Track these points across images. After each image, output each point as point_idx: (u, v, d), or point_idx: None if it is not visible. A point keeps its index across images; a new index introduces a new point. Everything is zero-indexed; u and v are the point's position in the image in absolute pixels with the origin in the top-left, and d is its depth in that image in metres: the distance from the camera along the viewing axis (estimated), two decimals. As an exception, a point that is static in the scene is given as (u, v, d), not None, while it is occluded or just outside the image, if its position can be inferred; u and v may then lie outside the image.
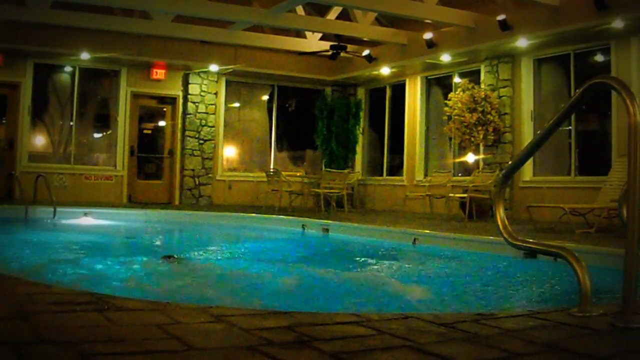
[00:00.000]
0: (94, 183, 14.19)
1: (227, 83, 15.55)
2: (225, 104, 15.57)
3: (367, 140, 16.48)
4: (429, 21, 12.52)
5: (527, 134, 12.00)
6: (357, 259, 7.30)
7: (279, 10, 11.96)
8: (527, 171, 11.88)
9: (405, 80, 14.97)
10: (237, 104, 16.13)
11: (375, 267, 6.61)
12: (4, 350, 1.81)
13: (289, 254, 7.69)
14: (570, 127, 11.38)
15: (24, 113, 13.66)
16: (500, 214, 3.24)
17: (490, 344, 2.19)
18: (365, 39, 14.44)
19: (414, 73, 14.65)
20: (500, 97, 12.33)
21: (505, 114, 12.28)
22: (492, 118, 12.09)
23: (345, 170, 14.49)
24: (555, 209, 9.27)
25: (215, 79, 15.13)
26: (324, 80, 16.04)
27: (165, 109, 15.41)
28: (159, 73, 14.66)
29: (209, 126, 15.01)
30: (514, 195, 11.96)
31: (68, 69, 14.30)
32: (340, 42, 13.93)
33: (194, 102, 14.86)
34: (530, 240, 3.53)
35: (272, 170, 14.56)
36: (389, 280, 5.76)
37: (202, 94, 14.95)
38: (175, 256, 6.29)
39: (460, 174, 13.49)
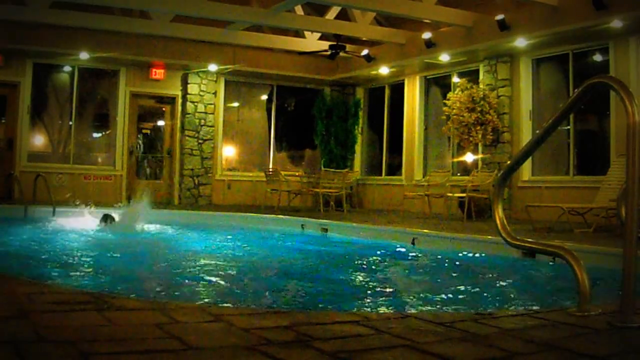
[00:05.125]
0: (93, 183, 14.19)
1: (226, 83, 15.55)
2: (225, 104, 15.57)
3: (366, 140, 16.49)
4: (427, 21, 12.52)
5: (526, 134, 12.01)
6: (355, 258, 7.31)
7: (278, 10, 11.96)
8: (526, 171, 11.89)
9: (404, 80, 14.98)
10: (236, 104, 16.12)
11: (374, 266, 6.61)
12: (4, 350, 1.82)
13: (290, 253, 7.70)
14: (568, 127, 11.39)
15: (23, 113, 13.66)
16: (499, 213, 3.24)
17: (489, 343, 2.20)
18: (364, 39, 14.45)
19: (412, 73, 14.66)
20: (499, 96, 12.34)
21: (504, 113, 12.29)
22: (490, 118, 12.10)
23: (344, 170, 14.50)
24: (554, 208, 9.28)
25: (215, 79, 15.13)
26: (323, 80, 16.04)
27: (164, 109, 15.41)
28: (158, 73, 14.66)
29: (208, 126, 15.01)
30: (513, 195, 11.97)
31: (67, 68, 14.29)
32: (339, 41, 13.93)
33: (193, 102, 14.86)
34: (529, 239, 3.53)
35: (271, 170, 14.56)
36: (387, 279, 5.77)
37: (201, 93, 14.95)
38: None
39: (459, 174, 13.48)
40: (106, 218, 9.71)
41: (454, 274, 5.92)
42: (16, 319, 2.23)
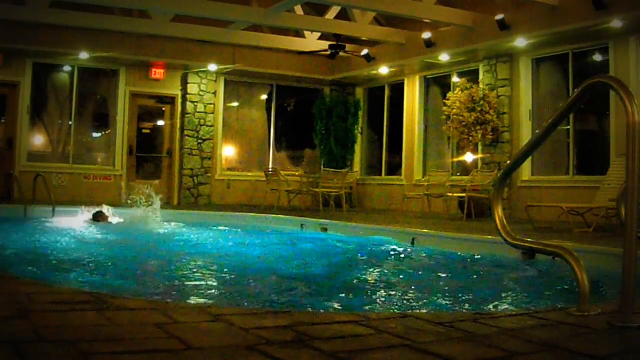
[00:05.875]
0: (93, 183, 14.19)
1: (226, 83, 15.55)
2: (224, 104, 15.58)
3: (365, 140, 16.49)
4: (427, 21, 12.52)
5: (526, 134, 12.01)
6: (355, 257, 7.31)
7: (278, 9, 11.97)
8: (526, 171, 11.89)
9: (404, 80, 14.98)
10: (236, 104, 16.13)
11: (374, 266, 6.61)
12: (4, 350, 1.82)
13: (290, 253, 7.70)
14: (568, 127, 11.39)
15: (23, 113, 13.66)
16: (499, 213, 3.24)
17: (489, 343, 2.20)
18: (364, 39, 14.45)
19: (412, 73, 14.66)
20: (498, 96, 12.34)
21: (504, 113, 12.30)
22: (490, 118, 12.10)
23: (344, 170, 14.50)
24: (554, 208, 9.28)
25: (214, 79, 15.13)
26: (322, 80, 16.04)
27: (164, 109, 15.40)
28: (157, 73, 14.66)
29: (207, 126, 15.01)
30: (513, 195, 11.97)
31: (67, 68, 14.29)
32: (339, 41, 13.93)
33: (192, 102, 14.86)
34: (529, 239, 3.53)
35: (271, 169, 14.56)
36: (386, 279, 5.77)
37: (201, 93, 14.95)
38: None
39: (458, 174, 13.48)
40: (99, 215, 9.95)
41: (454, 274, 5.92)
42: (16, 319, 2.23)
